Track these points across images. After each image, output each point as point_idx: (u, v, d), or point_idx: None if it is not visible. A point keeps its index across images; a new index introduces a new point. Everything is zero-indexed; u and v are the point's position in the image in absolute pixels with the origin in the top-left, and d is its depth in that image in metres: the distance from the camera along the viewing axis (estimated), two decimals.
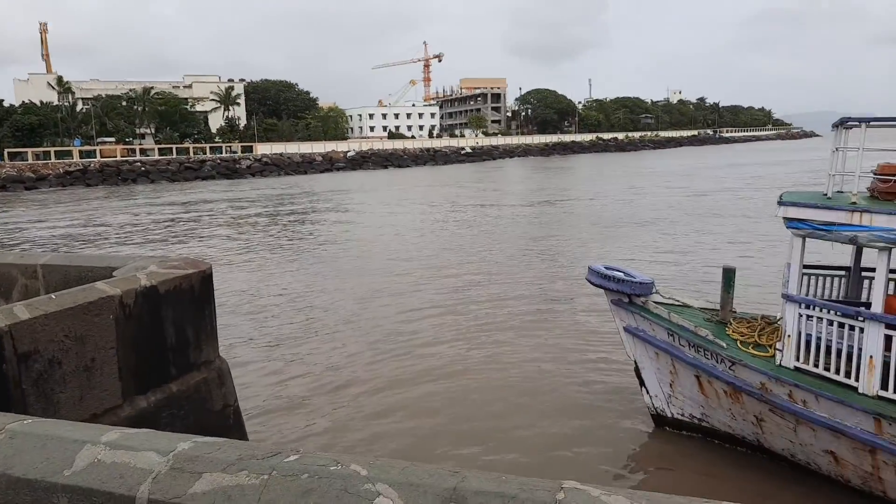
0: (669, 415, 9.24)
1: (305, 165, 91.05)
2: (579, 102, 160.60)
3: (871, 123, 7.43)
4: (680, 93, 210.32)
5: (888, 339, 6.85)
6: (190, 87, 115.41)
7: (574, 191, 50.98)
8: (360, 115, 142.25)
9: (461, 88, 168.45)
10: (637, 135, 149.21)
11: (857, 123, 7.45)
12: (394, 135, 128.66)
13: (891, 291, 7.57)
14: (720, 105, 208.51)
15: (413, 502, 2.19)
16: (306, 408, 10.58)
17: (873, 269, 9.39)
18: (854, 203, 7.18)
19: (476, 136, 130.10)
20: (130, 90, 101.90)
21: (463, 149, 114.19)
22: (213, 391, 5.67)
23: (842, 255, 9.65)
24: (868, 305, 8.99)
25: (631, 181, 57.58)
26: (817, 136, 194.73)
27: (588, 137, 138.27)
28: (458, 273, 20.80)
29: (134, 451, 2.57)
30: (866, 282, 9.10)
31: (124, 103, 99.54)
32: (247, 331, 14.95)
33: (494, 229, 30.71)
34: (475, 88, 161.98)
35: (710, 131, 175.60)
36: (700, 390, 8.66)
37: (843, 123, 7.68)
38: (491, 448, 9.10)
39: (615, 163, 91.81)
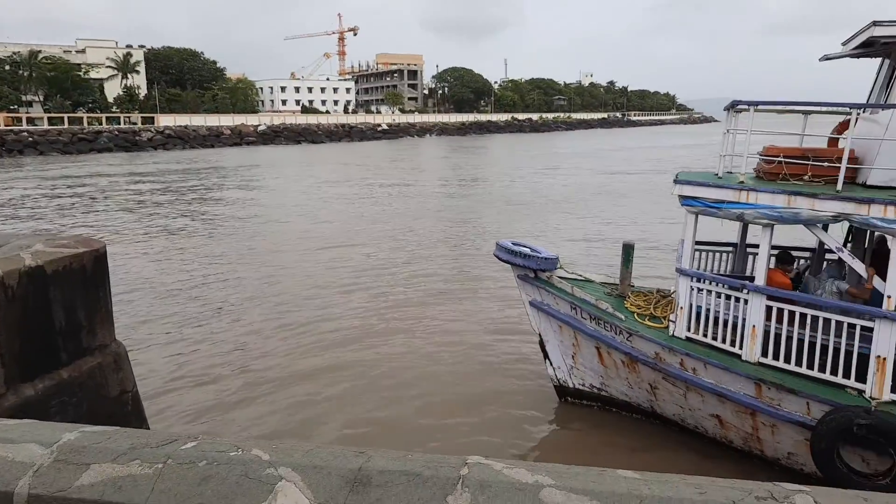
0: (571, 386, 9.68)
1: (212, 139, 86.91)
2: (495, 82, 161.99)
3: (759, 107, 7.95)
4: (591, 76, 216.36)
5: (769, 309, 7.47)
6: (83, 51, 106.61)
7: (490, 170, 51.72)
8: (272, 88, 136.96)
9: (377, 64, 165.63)
10: (550, 116, 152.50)
11: (747, 107, 7.96)
12: (307, 109, 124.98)
13: (772, 266, 8.20)
14: (628, 89, 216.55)
15: (317, 485, 2.18)
16: (213, 390, 10.26)
17: (758, 246, 10.19)
18: (742, 182, 7.72)
19: (393, 112, 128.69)
20: (14, 53, 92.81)
21: (379, 125, 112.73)
22: (109, 377, 5.39)
23: (731, 232, 10.37)
24: (752, 279, 9.74)
25: (544, 162, 59.07)
26: (716, 121, 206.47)
27: (504, 118, 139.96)
28: (371, 251, 20.68)
29: (13, 443, 2.41)
30: (751, 257, 9.86)
31: (7, 67, 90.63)
32: (147, 311, 14.24)
33: (410, 208, 30.69)
34: (392, 64, 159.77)
35: (618, 114, 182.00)
36: (600, 361, 9.12)
37: (733, 106, 8.18)
38: (398, 423, 9.22)
39: (529, 143, 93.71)
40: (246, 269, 18.36)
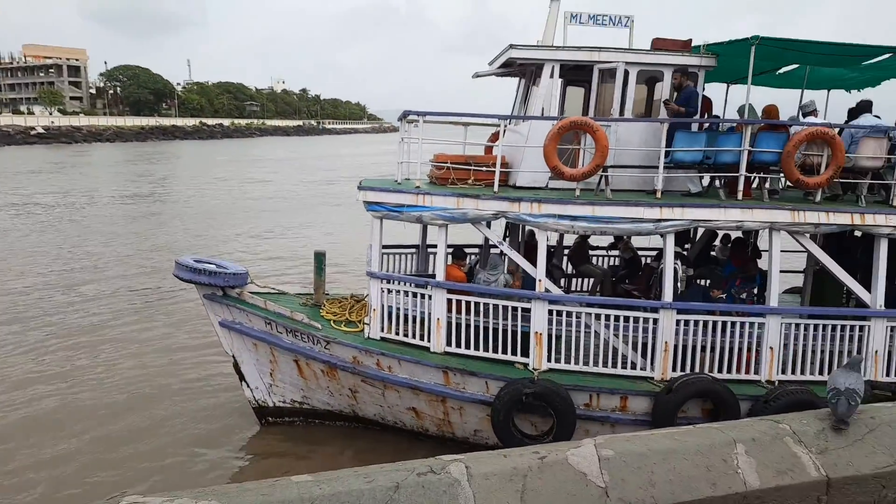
0: (272, 404, 9.23)
1: None
2: (178, 84, 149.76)
3: (427, 117, 8.54)
4: (283, 82, 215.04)
5: (449, 302, 8.07)
6: None
7: (181, 180, 47.29)
8: None
9: (25, 56, 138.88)
10: (244, 122, 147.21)
11: (416, 117, 8.47)
12: None
13: (450, 262, 8.90)
14: (322, 97, 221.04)
15: None
16: None
17: (436, 245, 11.01)
18: (418, 187, 8.20)
19: (51, 113, 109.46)
20: None
21: (33, 129, 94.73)
22: None
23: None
24: (434, 276, 10.48)
25: (243, 171, 56.43)
26: None
27: (191, 122, 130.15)
28: (30, 279, 17.06)
29: None
30: (431, 256, 10.67)
31: None
32: None
33: (81, 228, 26.25)
34: (45, 58, 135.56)
35: (313, 122, 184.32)
36: (300, 374, 8.85)
37: (405, 116, 8.64)
38: (67, 472, 7.67)
39: (223, 150, 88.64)
40: None
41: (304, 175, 51.77)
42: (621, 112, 8.92)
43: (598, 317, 7.85)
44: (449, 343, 8.09)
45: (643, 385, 7.68)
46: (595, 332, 7.87)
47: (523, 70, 10.05)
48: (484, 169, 8.53)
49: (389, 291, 8.42)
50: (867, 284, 8.08)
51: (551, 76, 8.93)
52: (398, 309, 8.37)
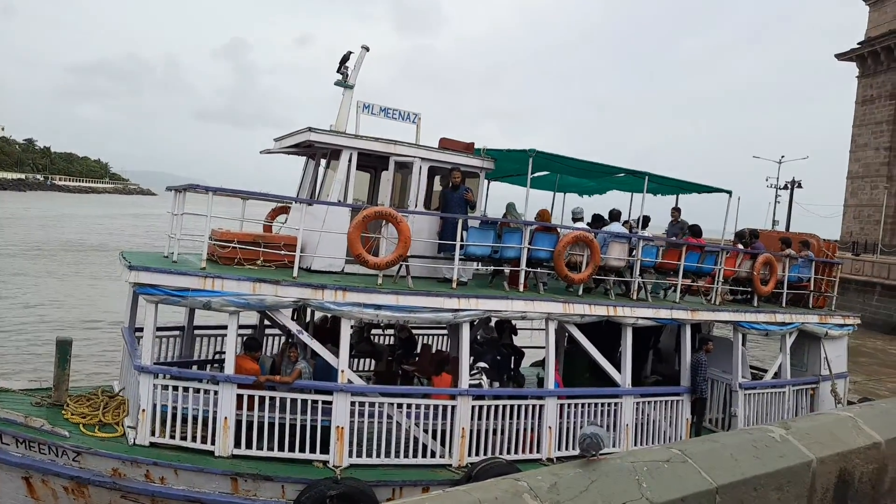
0: None
1: None
2: None
3: (217, 192, 7.84)
4: (2, 129, 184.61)
5: (240, 398, 7.25)
6: None
7: None
8: None
9: None
10: None
11: (204, 191, 7.77)
12: None
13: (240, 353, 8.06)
14: (52, 150, 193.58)
15: None
16: None
17: (205, 328, 10.01)
18: (204, 268, 7.39)
19: None
20: None
21: None
22: None
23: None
24: (205, 365, 9.46)
25: None
26: (153, 194, 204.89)
27: None
28: None
29: None
30: (198, 339, 9.78)
31: None
32: None
33: None
34: None
35: (40, 177, 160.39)
36: (30, 493, 7.08)
37: (185, 189, 7.89)
38: None
39: None
40: None
41: (35, 237, 43.86)
42: (415, 203, 9.27)
43: (399, 406, 7.72)
44: (238, 444, 7.21)
45: (444, 473, 7.66)
46: (397, 422, 7.71)
47: (312, 152, 9.97)
48: (281, 252, 8.07)
49: (164, 388, 7.28)
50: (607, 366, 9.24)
51: (349, 162, 8.98)
52: (174, 408, 7.27)
